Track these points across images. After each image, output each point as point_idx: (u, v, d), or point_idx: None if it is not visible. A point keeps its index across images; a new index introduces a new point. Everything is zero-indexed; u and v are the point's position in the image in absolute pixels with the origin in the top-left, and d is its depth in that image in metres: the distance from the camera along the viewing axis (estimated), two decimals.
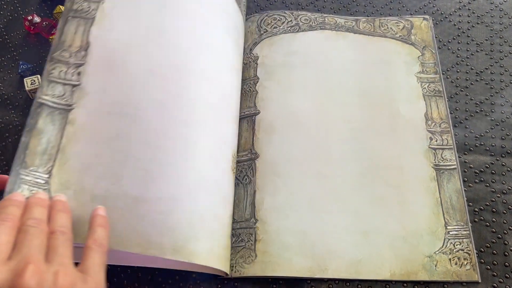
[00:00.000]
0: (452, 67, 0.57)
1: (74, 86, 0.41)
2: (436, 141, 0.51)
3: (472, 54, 0.58)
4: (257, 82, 0.53)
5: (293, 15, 0.58)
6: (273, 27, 0.57)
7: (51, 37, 0.55)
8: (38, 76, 0.52)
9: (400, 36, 0.58)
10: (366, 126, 0.51)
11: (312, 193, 0.47)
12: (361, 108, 0.52)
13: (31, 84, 0.52)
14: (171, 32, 0.44)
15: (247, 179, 0.48)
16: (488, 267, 0.45)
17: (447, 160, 0.50)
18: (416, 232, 0.46)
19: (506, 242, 0.47)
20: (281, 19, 0.58)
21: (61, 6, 0.56)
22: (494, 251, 0.46)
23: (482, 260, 0.46)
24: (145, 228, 0.37)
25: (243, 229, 0.45)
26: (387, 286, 0.44)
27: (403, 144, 0.50)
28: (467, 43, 0.59)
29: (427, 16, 0.60)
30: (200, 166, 0.41)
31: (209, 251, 0.40)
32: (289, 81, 0.53)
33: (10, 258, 0.31)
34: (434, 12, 0.61)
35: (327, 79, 0.54)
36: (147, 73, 0.42)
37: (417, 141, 0.51)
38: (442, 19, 0.61)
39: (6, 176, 0.43)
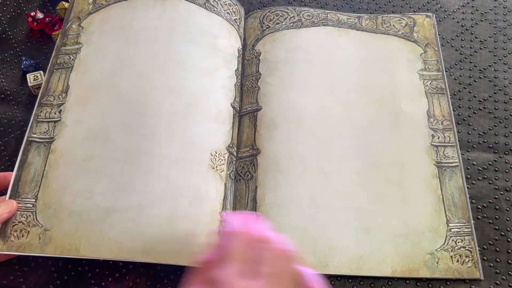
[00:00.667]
0: (456, 64, 0.57)
1: (56, 121, 0.47)
2: (438, 138, 0.50)
3: (475, 51, 0.58)
4: (259, 78, 0.53)
5: (295, 11, 0.58)
6: (275, 23, 0.57)
7: (54, 33, 0.55)
8: (41, 72, 0.52)
9: (402, 33, 0.57)
10: (368, 123, 0.51)
11: (314, 189, 0.47)
12: (363, 105, 0.52)
13: (34, 80, 0.52)
14: (134, 62, 0.50)
15: (249, 175, 0.48)
16: (491, 264, 0.45)
17: (449, 157, 0.49)
18: (418, 229, 0.45)
19: (509, 239, 0.46)
20: (284, 15, 0.58)
21: (64, 2, 0.57)
22: (497, 249, 0.46)
23: (485, 258, 0.45)
24: (116, 235, 0.42)
25: None
26: (389, 283, 0.44)
27: (405, 141, 0.50)
28: (471, 40, 0.59)
29: (430, 14, 0.59)
30: (165, 174, 0.45)
31: (180, 251, 0.42)
32: (291, 77, 0.53)
33: None
34: (437, 9, 0.61)
35: (329, 75, 0.54)
36: (115, 101, 0.48)
37: (419, 138, 0.50)
38: (445, 16, 0.61)
39: (10, 173, 0.44)
